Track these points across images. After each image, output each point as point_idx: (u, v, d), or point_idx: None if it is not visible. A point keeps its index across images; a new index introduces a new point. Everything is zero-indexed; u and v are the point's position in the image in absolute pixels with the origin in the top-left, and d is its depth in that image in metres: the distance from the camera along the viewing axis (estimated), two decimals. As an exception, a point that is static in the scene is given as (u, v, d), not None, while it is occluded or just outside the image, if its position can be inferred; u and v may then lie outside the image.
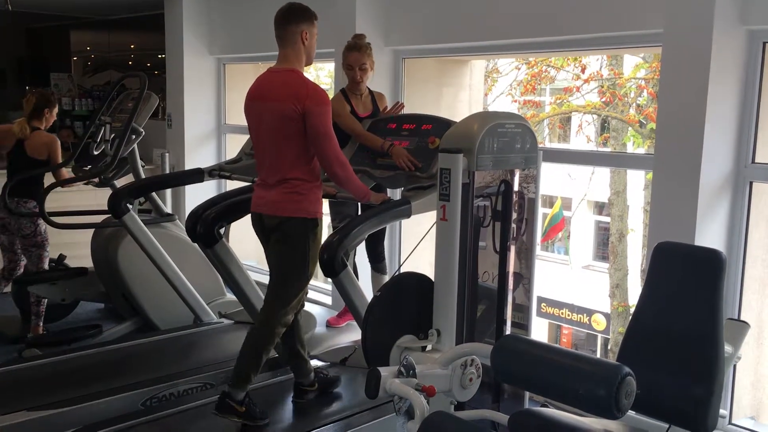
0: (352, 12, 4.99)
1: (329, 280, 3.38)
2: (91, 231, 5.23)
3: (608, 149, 11.46)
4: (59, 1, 8.03)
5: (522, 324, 3.38)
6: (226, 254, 3.84)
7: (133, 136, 5.02)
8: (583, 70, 11.04)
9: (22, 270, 5.08)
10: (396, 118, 3.96)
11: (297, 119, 3.09)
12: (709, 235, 3.50)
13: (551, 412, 2.80)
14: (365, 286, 3.81)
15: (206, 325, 4.78)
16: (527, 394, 3.29)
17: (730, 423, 3.65)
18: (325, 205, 3.54)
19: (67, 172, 5.04)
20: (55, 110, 5.07)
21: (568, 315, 13.46)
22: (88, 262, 5.20)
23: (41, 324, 4.92)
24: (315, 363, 4.12)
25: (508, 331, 3.30)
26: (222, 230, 3.80)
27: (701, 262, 2.61)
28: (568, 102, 12.10)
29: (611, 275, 11.58)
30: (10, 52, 9.35)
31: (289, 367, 3.64)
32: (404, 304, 3.01)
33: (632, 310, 3.35)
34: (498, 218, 3.22)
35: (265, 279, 3.49)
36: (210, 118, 7.03)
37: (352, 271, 3.37)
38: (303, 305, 3.50)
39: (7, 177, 4.89)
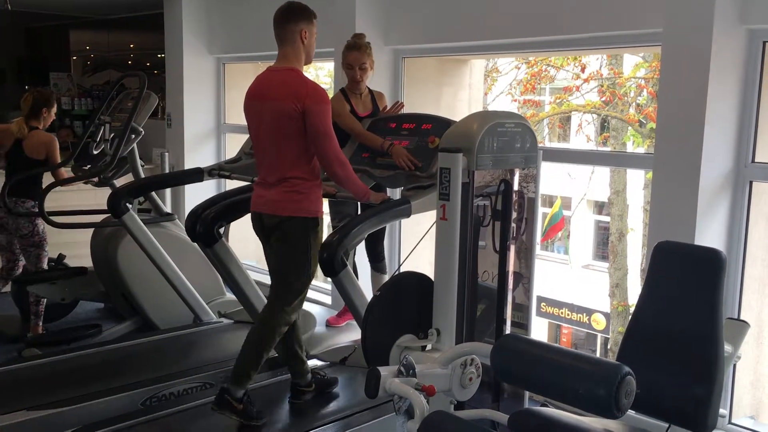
0: (352, 11, 4.99)
1: (329, 279, 3.38)
2: (91, 230, 5.23)
3: (608, 149, 11.46)
4: (58, 1, 8.03)
5: (522, 323, 3.38)
6: (225, 254, 3.84)
7: (133, 136, 5.02)
8: (582, 70, 11.03)
9: (20, 270, 5.08)
10: (396, 118, 3.96)
11: (297, 118, 3.09)
12: (709, 234, 3.50)
13: (551, 411, 2.80)
14: (365, 285, 3.81)
15: (206, 324, 4.78)
16: (527, 393, 3.29)
17: (729, 422, 3.65)
18: (325, 204, 3.54)
19: (66, 172, 5.04)
20: (54, 110, 5.06)
21: (568, 314, 13.46)
22: (87, 262, 5.20)
23: (41, 323, 4.92)
24: (314, 363, 4.12)
25: (507, 330, 3.30)
26: (221, 230, 3.80)
27: (701, 261, 2.61)
28: (567, 101, 12.10)
29: (611, 275, 11.58)
30: (9, 52, 9.35)
31: (287, 368, 3.63)
32: (404, 304, 3.01)
33: (632, 309, 3.34)
34: (498, 218, 3.22)
35: (265, 278, 3.49)
36: (209, 118, 7.03)
37: (351, 271, 3.37)
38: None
39: (5, 177, 4.89)
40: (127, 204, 4.38)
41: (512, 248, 3.28)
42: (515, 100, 12.44)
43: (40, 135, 4.91)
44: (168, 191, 6.17)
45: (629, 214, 11.70)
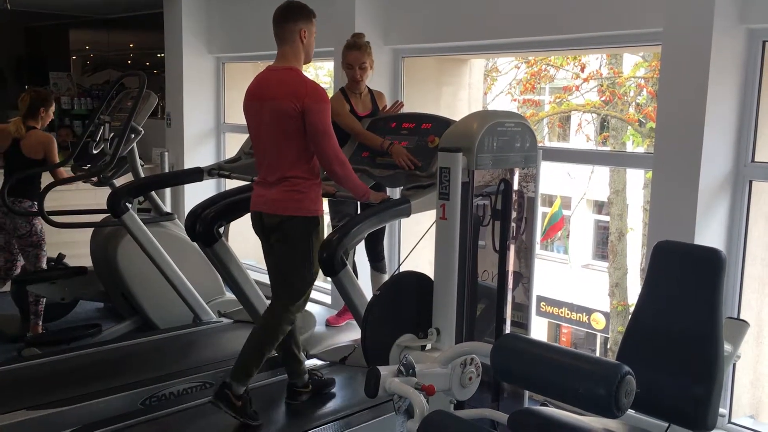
0: (352, 11, 4.99)
1: (329, 279, 3.38)
2: (91, 230, 5.23)
3: (608, 148, 11.46)
4: (58, 0, 8.02)
5: (521, 323, 3.38)
6: (225, 253, 3.83)
7: (132, 135, 5.02)
8: (582, 69, 11.03)
9: (19, 270, 5.07)
10: (395, 117, 3.96)
11: (296, 117, 3.09)
12: (709, 234, 3.50)
13: (551, 411, 2.80)
14: (365, 285, 3.81)
15: (205, 324, 4.78)
16: (527, 393, 3.29)
17: (729, 422, 3.65)
18: (325, 204, 3.54)
19: (65, 172, 5.04)
20: (52, 109, 5.05)
21: (568, 314, 13.46)
22: (87, 262, 5.20)
23: (40, 323, 4.92)
24: (314, 362, 4.12)
25: (507, 330, 3.31)
26: (221, 229, 3.80)
27: (701, 261, 2.61)
28: (567, 101, 12.10)
29: (610, 274, 11.58)
30: (8, 51, 9.34)
31: (283, 368, 3.63)
32: (404, 303, 3.01)
33: (632, 309, 3.35)
34: (497, 217, 3.22)
35: (265, 278, 3.49)
36: (209, 117, 7.03)
37: (351, 270, 3.37)
38: None
39: (3, 177, 4.89)
40: (127, 203, 4.38)
41: (512, 248, 3.28)
42: (515, 100, 12.44)
43: (38, 135, 4.90)
44: (168, 191, 6.17)
45: (629, 214, 11.70)
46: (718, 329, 2.53)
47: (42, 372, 4.00)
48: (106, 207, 4.37)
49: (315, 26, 3.28)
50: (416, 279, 3.07)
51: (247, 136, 4.05)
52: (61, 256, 5.27)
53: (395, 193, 4.19)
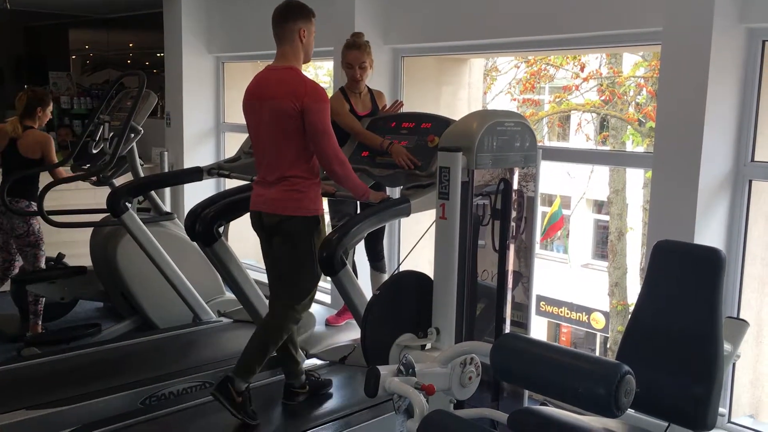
0: (351, 10, 4.98)
1: (328, 278, 3.38)
2: (90, 230, 5.23)
3: (607, 148, 11.46)
4: (57, 0, 8.02)
5: (521, 322, 3.38)
6: (225, 253, 3.83)
7: (132, 135, 5.01)
8: (582, 69, 11.03)
9: (17, 270, 5.07)
10: (395, 117, 3.96)
11: (295, 117, 3.09)
12: (709, 233, 3.50)
13: (550, 410, 2.80)
14: (364, 284, 3.81)
15: (205, 323, 4.78)
16: (526, 392, 3.29)
17: (729, 421, 3.65)
18: (324, 203, 3.53)
19: (64, 171, 5.03)
20: (49, 109, 5.03)
21: (567, 313, 13.46)
22: (87, 261, 5.20)
23: (40, 323, 4.91)
24: (313, 362, 4.12)
25: (507, 329, 3.30)
26: (221, 229, 3.79)
27: (700, 260, 2.61)
28: (567, 100, 12.10)
29: (610, 274, 11.58)
30: (8, 51, 9.33)
31: (281, 368, 3.63)
32: (403, 303, 3.01)
33: (631, 308, 3.34)
34: (497, 217, 3.22)
35: (265, 277, 3.49)
36: (209, 117, 7.03)
37: (351, 270, 3.37)
38: None
39: (1, 177, 4.88)
40: (127, 203, 4.38)
41: (512, 247, 3.28)
42: (514, 99, 12.44)
43: (35, 134, 4.90)
44: (167, 190, 6.16)
45: (628, 213, 11.71)
46: (717, 329, 2.53)
47: (41, 372, 4.00)
48: (105, 206, 4.37)
49: (314, 26, 3.28)
50: (416, 278, 3.07)
51: (246, 135, 4.05)
52: (60, 256, 5.27)
53: (395, 192, 4.19)
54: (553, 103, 12.88)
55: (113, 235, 4.96)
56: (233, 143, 6.56)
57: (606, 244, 12.71)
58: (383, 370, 2.33)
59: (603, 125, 12.39)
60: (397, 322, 2.97)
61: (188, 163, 6.64)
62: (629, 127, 11.20)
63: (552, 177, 12.03)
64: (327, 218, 3.79)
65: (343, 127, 3.86)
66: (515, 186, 3.24)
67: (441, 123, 3.57)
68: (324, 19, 3.75)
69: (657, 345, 2.65)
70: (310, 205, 3.22)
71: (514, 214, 3.25)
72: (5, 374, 3.93)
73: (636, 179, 11.38)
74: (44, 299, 4.93)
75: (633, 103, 11.36)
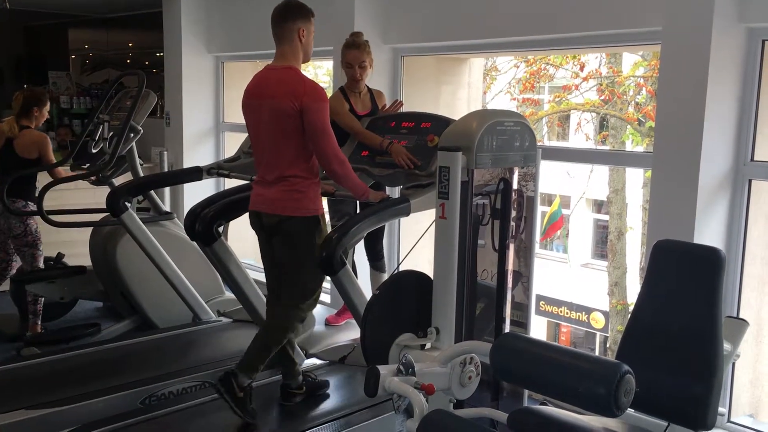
0: (351, 10, 4.98)
1: (328, 278, 3.38)
2: (90, 229, 5.23)
3: (607, 147, 11.46)
4: (57, 0, 8.01)
5: (521, 322, 3.38)
6: (224, 252, 3.83)
7: (132, 135, 5.01)
8: (581, 68, 11.03)
9: (14, 270, 5.07)
10: (395, 116, 3.96)
11: (295, 116, 3.09)
12: (708, 233, 3.50)
13: (550, 410, 2.80)
14: (364, 284, 3.81)
15: (205, 323, 4.78)
16: (526, 392, 3.29)
17: (728, 421, 3.65)
18: (324, 203, 3.53)
19: (63, 171, 5.03)
20: (46, 108, 5.02)
21: (567, 313, 13.46)
22: (86, 261, 5.20)
23: (39, 322, 4.91)
24: (313, 362, 4.12)
25: (507, 329, 3.30)
26: (220, 228, 3.79)
27: (700, 260, 2.61)
28: (566, 100, 12.10)
29: (610, 273, 11.58)
30: (7, 51, 9.32)
31: (277, 369, 3.62)
32: (403, 303, 3.01)
33: (631, 308, 3.35)
34: (497, 216, 3.22)
35: (264, 277, 3.49)
36: (208, 117, 7.03)
37: (350, 270, 3.37)
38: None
39: None
40: (126, 203, 4.37)
41: (511, 247, 3.28)
42: (514, 99, 12.44)
43: (32, 134, 4.89)
44: (167, 190, 6.16)
45: (628, 213, 11.71)
46: (717, 328, 2.53)
47: (41, 371, 4.00)
48: (105, 206, 4.36)
49: (314, 25, 3.28)
50: (416, 278, 3.07)
51: (246, 135, 4.05)
52: (60, 256, 5.26)
53: (395, 192, 4.19)
54: (553, 103, 12.88)
55: (113, 234, 4.95)
56: (233, 143, 6.56)
57: (606, 243, 12.71)
58: (383, 369, 2.33)
59: (602, 125, 12.39)
60: (397, 321, 2.97)
61: (188, 162, 6.63)
62: (629, 126, 11.20)
63: (552, 176, 12.03)
64: (327, 218, 3.79)
65: (342, 127, 3.86)
66: (515, 185, 3.24)
67: (441, 122, 3.56)
68: (323, 19, 3.74)
69: (657, 344, 2.65)
70: (310, 205, 3.22)
71: (513, 213, 3.25)
72: (5, 374, 3.93)
73: (635, 179, 11.38)
74: (43, 299, 4.92)
75: (632, 102, 11.36)
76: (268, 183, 3.24)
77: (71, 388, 3.70)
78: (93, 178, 5.16)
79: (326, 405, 3.60)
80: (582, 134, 12.31)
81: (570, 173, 12.67)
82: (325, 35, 4.16)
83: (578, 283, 13.73)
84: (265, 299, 3.61)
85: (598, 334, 13.33)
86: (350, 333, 4.47)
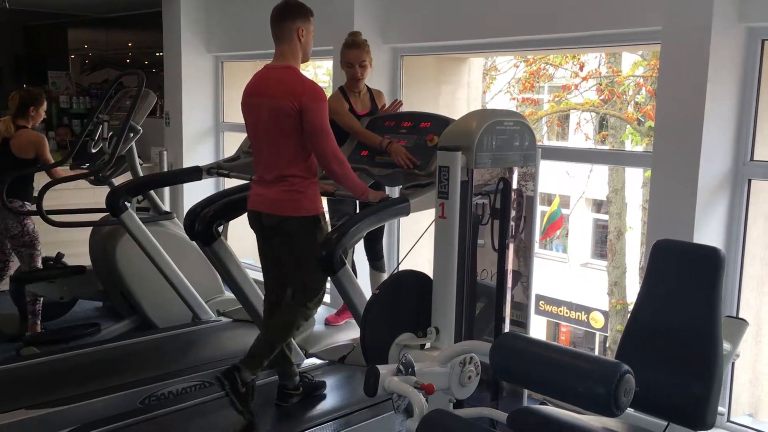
0: (351, 10, 4.98)
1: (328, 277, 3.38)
2: (89, 229, 5.23)
3: (606, 147, 11.47)
4: (56, -1, 8.02)
5: (520, 322, 3.38)
6: (224, 252, 3.83)
7: (131, 134, 5.01)
8: (581, 68, 11.04)
9: (11, 271, 5.06)
10: (394, 116, 3.96)
11: (294, 116, 3.09)
12: (708, 232, 3.50)
13: (550, 409, 2.80)
14: (364, 284, 3.81)
15: (204, 323, 4.78)
16: (526, 391, 3.29)
17: (728, 420, 3.65)
18: (324, 202, 3.53)
19: (62, 171, 5.02)
20: (43, 108, 5.01)
21: (567, 313, 13.47)
22: (86, 261, 5.19)
23: (39, 322, 4.91)
24: (312, 361, 4.12)
25: (506, 328, 3.30)
26: (220, 228, 3.79)
27: (700, 259, 2.61)
28: (566, 100, 12.10)
29: (609, 273, 11.59)
30: (7, 51, 9.31)
31: (274, 369, 3.62)
32: (403, 302, 3.01)
33: (630, 307, 3.35)
34: (497, 216, 3.22)
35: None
36: (208, 116, 7.02)
37: (350, 269, 3.37)
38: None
39: None
40: (126, 202, 4.37)
41: (511, 246, 3.28)
42: (514, 99, 12.44)
43: (28, 134, 4.88)
44: (166, 190, 6.15)
45: (628, 213, 11.71)
46: (717, 328, 2.53)
47: (41, 371, 4.00)
48: (104, 206, 4.36)
49: (313, 25, 3.28)
50: (415, 278, 3.07)
51: (245, 135, 4.05)
52: (59, 255, 5.26)
53: (394, 192, 4.19)
54: (553, 103, 12.89)
55: (112, 234, 4.95)
56: (232, 143, 6.56)
57: (605, 243, 12.71)
58: (383, 369, 2.33)
59: (602, 124, 12.40)
60: (397, 321, 2.97)
61: (187, 162, 6.63)
62: (628, 126, 11.21)
63: (551, 176, 12.03)
64: (327, 217, 3.79)
65: (342, 127, 3.86)
66: (514, 185, 3.24)
67: (440, 122, 3.56)
68: (323, 19, 3.74)
69: (656, 344, 2.65)
70: (310, 204, 3.22)
71: (513, 213, 3.25)
72: (4, 374, 3.93)
73: (635, 178, 11.39)
74: (42, 299, 4.92)
75: (632, 102, 11.36)
76: (267, 183, 3.24)
77: (71, 387, 3.70)
78: (92, 177, 5.15)
79: (326, 405, 3.60)
80: (581, 134, 12.32)
81: (569, 173, 12.67)
82: (324, 35, 4.16)
83: (578, 283, 13.73)
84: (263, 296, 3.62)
85: (597, 333, 13.34)
86: (350, 333, 4.47)
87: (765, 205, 3.64)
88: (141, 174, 5.32)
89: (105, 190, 4.71)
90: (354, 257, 4.39)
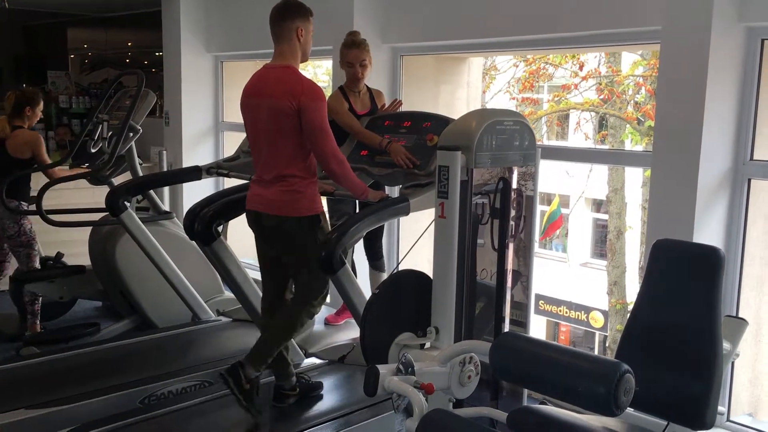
0: (350, 9, 4.98)
1: (327, 277, 3.38)
2: (89, 229, 5.22)
3: (606, 146, 11.47)
4: (56, -1, 8.02)
5: (520, 321, 3.37)
6: (223, 252, 3.83)
7: (131, 134, 5.01)
8: (581, 68, 11.04)
9: (9, 271, 5.06)
10: (394, 116, 3.96)
11: (292, 115, 3.09)
12: (708, 232, 3.50)
13: (550, 409, 2.80)
14: (363, 283, 3.81)
15: (204, 323, 4.78)
16: (525, 391, 3.29)
17: (728, 420, 3.65)
18: (324, 202, 3.53)
19: (59, 171, 5.01)
20: (39, 108, 5.00)
21: (566, 312, 13.47)
22: (85, 260, 5.19)
23: (38, 322, 4.91)
24: (312, 361, 4.12)
25: (506, 328, 3.30)
26: (220, 228, 3.79)
27: (700, 259, 2.61)
28: (566, 99, 12.10)
29: (609, 273, 11.59)
30: (7, 50, 9.32)
31: (271, 369, 3.62)
32: (403, 302, 3.01)
33: (630, 307, 3.35)
34: (496, 216, 3.22)
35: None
36: (207, 116, 7.02)
37: (350, 269, 3.37)
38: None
39: None
40: (125, 202, 4.37)
41: (511, 246, 3.28)
42: (513, 98, 12.44)
43: (24, 134, 4.88)
44: (166, 189, 6.16)
45: (627, 212, 11.72)
46: (716, 327, 2.53)
47: (40, 371, 4.00)
48: (104, 206, 4.36)
49: (312, 24, 3.28)
50: (415, 277, 3.07)
51: (245, 134, 4.04)
52: (59, 255, 5.26)
53: (394, 191, 4.19)
54: (552, 102, 12.89)
55: (112, 234, 4.95)
56: (232, 142, 6.56)
57: (605, 242, 12.72)
58: (382, 369, 2.33)
59: (602, 124, 12.40)
60: (396, 321, 2.97)
61: (187, 162, 6.63)
62: (628, 125, 11.21)
63: (551, 176, 12.03)
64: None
65: (342, 126, 3.86)
66: (514, 185, 3.24)
67: (440, 122, 3.56)
68: (323, 18, 3.74)
69: (656, 344, 2.65)
70: (309, 204, 3.22)
71: (513, 213, 3.25)
72: (4, 374, 3.93)
73: (635, 178, 11.39)
74: (41, 299, 4.92)
75: (632, 101, 11.36)
76: (266, 182, 3.24)
77: (70, 387, 3.70)
78: (89, 176, 5.15)
79: (326, 404, 3.60)
80: (581, 133, 12.31)
81: (569, 172, 12.67)
82: (324, 34, 4.16)
83: (577, 283, 13.74)
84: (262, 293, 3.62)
85: (597, 333, 13.34)
86: (350, 332, 4.47)
87: (765, 205, 3.64)
88: (140, 174, 5.31)
89: (104, 189, 4.71)
90: (354, 257, 4.39)
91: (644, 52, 10.21)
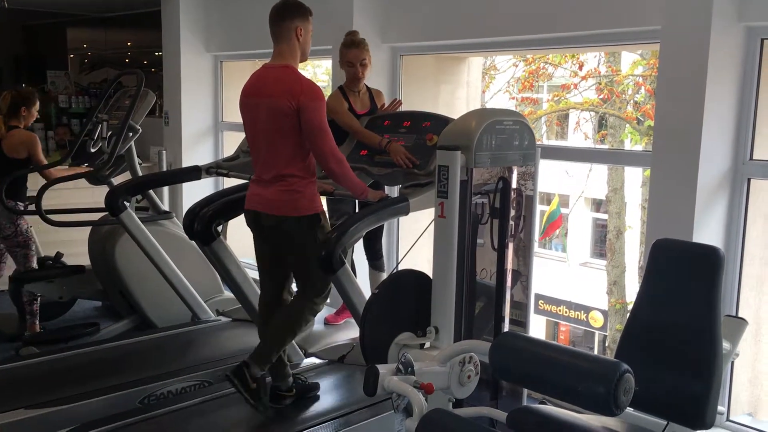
0: (350, 9, 4.98)
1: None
2: (88, 229, 5.22)
3: (606, 146, 11.47)
4: (56, -1, 8.02)
5: (520, 321, 3.37)
6: (223, 252, 3.83)
7: (130, 134, 5.01)
8: (580, 67, 11.03)
9: (4, 271, 5.05)
10: (394, 116, 3.96)
11: (292, 115, 3.09)
12: (707, 232, 3.50)
13: (549, 409, 2.80)
14: (363, 283, 3.81)
15: (204, 322, 4.78)
16: (525, 391, 3.29)
17: (728, 419, 3.65)
18: (323, 202, 3.53)
19: (56, 171, 5.01)
20: (35, 108, 4.99)
21: (566, 312, 13.48)
22: (85, 260, 5.19)
23: (37, 322, 4.90)
24: (311, 361, 4.12)
25: (506, 328, 3.30)
26: (219, 228, 3.79)
27: (699, 259, 2.61)
28: (565, 99, 12.10)
29: (609, 272, 11.59)
30: (6, 50, 9.31)
31: (268, 370, 3.62)
32: (402, 302, 3.01)
33: (630, 307, 3.35)
34: (496, 215, 3.22)
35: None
36: (207, 116, 7.02)
37: (350, 269, 3.37)
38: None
39: None
40: (125, 202, 4.37)
41: (510, 246, 3.28)
42: (513, 98, 12.44)
43: (20, 134, 4.87)
44: (166, 189, 6.15)
45: (627, 212, 11.72)
46: (716, 327, 2.53)
47: (40, 371, 4.00)
48: (104, 205, 4.36)
49: (312, 24, 3.28)
50: (415, 277, 3.07)
51: (244, 134, 4.04)
52: (58, 255, 5.26)
53: (394, 191, 4.19)
54: (552, 102, 12.89)
55: (111, 234, 4.95)
56: (232, 142, 6.55)
57: (604, 242, 12.72)
58: (382, 368, 2.33)
59: (601, 124, 12.40)
60: (396, 320, 2.97)
61: (186, 162, 6.62)
62: (627, 125, 11.21)
63: (550, 175, 12.04)
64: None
65: (341, 126, 3.86)
66: (514, 185, 3.24)
67: (440, 122, 3.56)
68: (322, 18, 3.74)
69: (656, 343, 2.65)
70: (308, 204, 3.22)
71: (512, 212, 3.25)
72: (4, 374, 3.93)
73: (634, 178, 11.39)
74: (39, 299, 4.92)
75: (631, 101, 11.36)
76: (265, 182, 3.24)
77: (70, 387, 3.70)
78: (86, 175, 5.14)
79: (325, 404, 3.60)
80: (581, 133, 12.32)
81: (569, 172, 12.68)
82: (323, 34, 4.16)
83: (577, 282, 13.75)
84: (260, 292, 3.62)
85: (597, 333, 13.35)
86: (349, 332, 4.47)
87: (764, 205, 3.64)
88: (140, 173, 5.31)
89: (104, 189, 4.71)
90: (353, 257, 4.39)
91: (644, 52, 10.21)
